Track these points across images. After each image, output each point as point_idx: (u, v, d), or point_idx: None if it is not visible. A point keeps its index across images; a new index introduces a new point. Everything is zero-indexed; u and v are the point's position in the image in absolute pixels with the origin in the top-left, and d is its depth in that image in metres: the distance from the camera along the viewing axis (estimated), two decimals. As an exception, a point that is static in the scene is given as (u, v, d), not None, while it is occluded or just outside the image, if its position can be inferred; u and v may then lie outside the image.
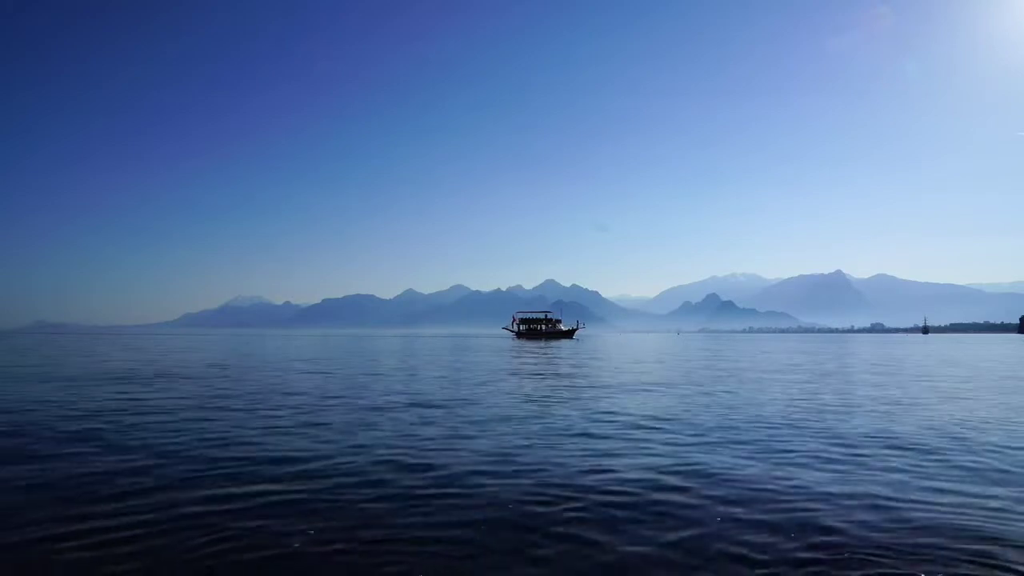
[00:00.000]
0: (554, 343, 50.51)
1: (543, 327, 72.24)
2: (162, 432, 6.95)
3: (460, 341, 59.34)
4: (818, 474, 5.09)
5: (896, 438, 6.73)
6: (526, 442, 6.44)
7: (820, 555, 3.33)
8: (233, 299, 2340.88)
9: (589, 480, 4.84)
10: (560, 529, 3.71)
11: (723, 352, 34.27)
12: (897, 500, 4.34)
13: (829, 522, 3.84)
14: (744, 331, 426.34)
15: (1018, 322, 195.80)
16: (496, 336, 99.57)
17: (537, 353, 30.23)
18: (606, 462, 5.48)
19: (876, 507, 4.16)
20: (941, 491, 4.58)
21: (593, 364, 21.28)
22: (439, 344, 47.93)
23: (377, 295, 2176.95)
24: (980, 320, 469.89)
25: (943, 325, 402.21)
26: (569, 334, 73.20)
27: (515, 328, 73.70)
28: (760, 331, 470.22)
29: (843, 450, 6.06)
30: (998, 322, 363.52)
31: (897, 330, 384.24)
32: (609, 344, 52.06)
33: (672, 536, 3.60)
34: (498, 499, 4.31)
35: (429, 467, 5.25)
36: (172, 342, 46.77)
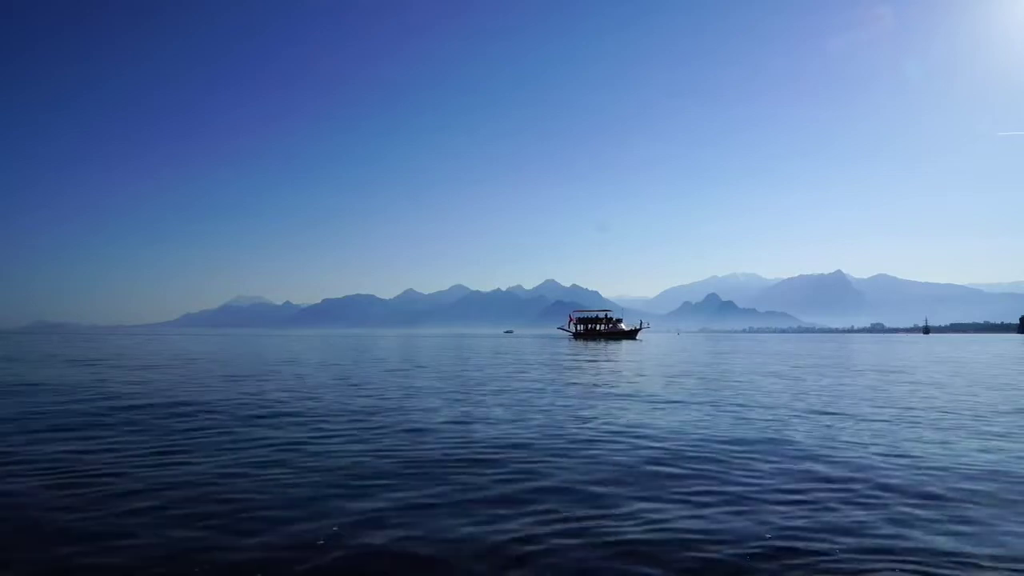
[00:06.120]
0: (614, 344, 47.05)
1: (602, 327, 69.36)
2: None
3: (478, 341, 58.65)
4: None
5: None
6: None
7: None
8: (233, 299, 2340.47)
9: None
10: None
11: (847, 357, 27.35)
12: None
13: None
14: (744, 331, 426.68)
15: (1018, 322, 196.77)
16: (496, 336, 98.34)
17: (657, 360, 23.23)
18: None
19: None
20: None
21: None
22: (465, 344, 46.98)
23: (377, 295, 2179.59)
24: (980, 320, 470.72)
25: (943, 325, 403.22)
26: (632, 334, 68.41)
27: (572, 328, 71.54)
28: (760, 331, 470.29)
29: None
30: (998, 322, 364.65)
31: (897, 330, 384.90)
32: (678, 346, 44.80)
33: None
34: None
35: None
36: (262, 348, 39.45)
